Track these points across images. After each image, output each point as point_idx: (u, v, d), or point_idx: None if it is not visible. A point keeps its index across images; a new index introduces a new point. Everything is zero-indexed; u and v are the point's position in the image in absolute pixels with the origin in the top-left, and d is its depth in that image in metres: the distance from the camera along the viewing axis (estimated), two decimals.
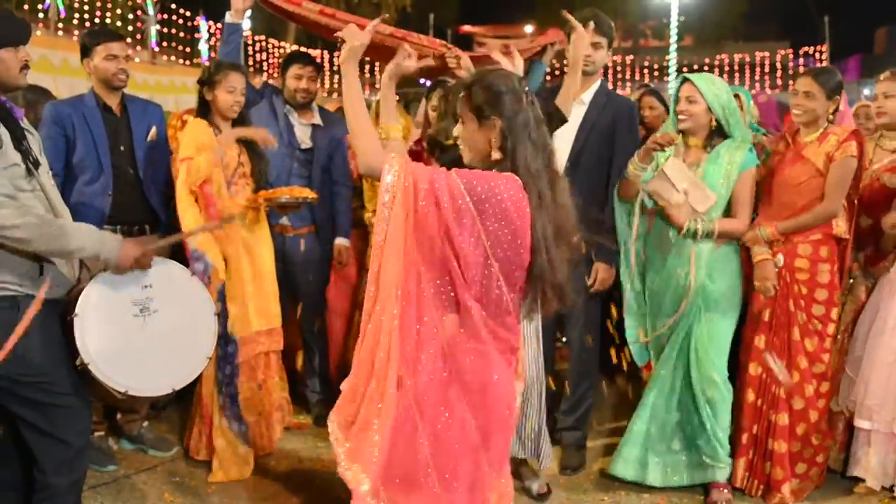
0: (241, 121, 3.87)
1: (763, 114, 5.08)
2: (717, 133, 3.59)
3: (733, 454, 3.66)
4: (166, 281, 2.89)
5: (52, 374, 2.60)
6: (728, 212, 3.58)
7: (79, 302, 2.63)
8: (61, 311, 2.65)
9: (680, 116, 3.59)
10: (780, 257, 3.55)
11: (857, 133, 3.54)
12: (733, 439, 3.67)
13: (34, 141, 2.69)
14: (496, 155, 2.17)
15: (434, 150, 3.39)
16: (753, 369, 3.64)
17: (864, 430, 3.63)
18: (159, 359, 2.79)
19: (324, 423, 4.25)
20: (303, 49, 15.26)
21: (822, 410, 3.60)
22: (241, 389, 3.77)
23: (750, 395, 3.64)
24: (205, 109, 3.81)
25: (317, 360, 4.58)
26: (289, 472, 3.86)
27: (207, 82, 3.76)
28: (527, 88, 2.22)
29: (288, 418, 4.22)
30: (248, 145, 3.88)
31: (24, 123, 2.67)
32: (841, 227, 3.62)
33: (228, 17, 4.08)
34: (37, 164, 2.60)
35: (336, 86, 22.23)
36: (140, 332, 2.76)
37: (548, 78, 4.24)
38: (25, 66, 2.63)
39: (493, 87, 2.18)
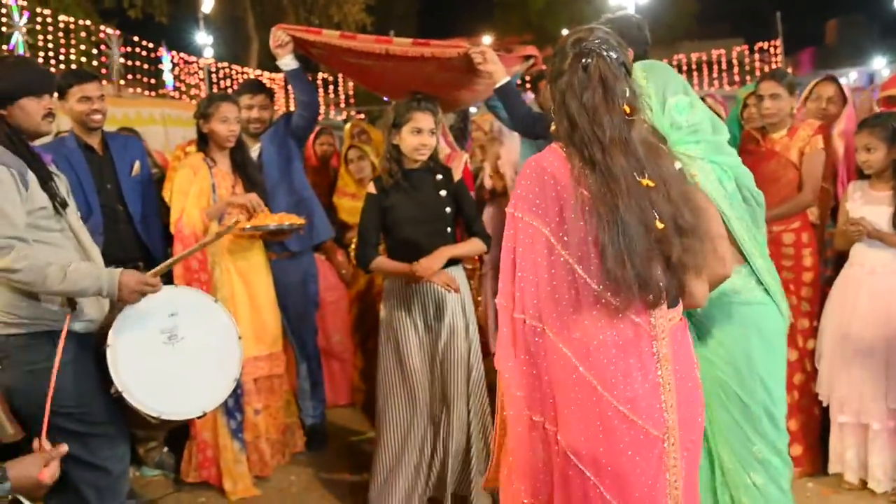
0: (238, 148, 4.00)
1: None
2: None
3: None
4: (191, 308, 2.97)
5: (88, 404, 2.69)
6: None
7: (110, 333, 2.72)
8: (95, 344, 2.74)
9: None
10: None
11: (823, 128, 3.82)
12: None
13: (61, 183, 2.78)
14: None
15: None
16: None
17: (837, 423, 3.57)
18: (189, 383, 2.86)
19: (317, 447, 4.36)
20: (265, 74, 15.04)
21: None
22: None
23: None
24: (203, 142, 3.96)
25: (309, 385, 4.48)
26: (311, 489, 3.96)
27: (202, 116, 3.88)
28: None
29: (299, 443, 4.33)
30: (244, 175, 3.98)
31: (52, 168, 2.76)
32: (814, 212, 3.88)
33: (282, 66, 4.03)
34: (64, 204, 2.70)
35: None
36: (169, 358, 2.83)
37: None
38: (49, 114, 2.71)
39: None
